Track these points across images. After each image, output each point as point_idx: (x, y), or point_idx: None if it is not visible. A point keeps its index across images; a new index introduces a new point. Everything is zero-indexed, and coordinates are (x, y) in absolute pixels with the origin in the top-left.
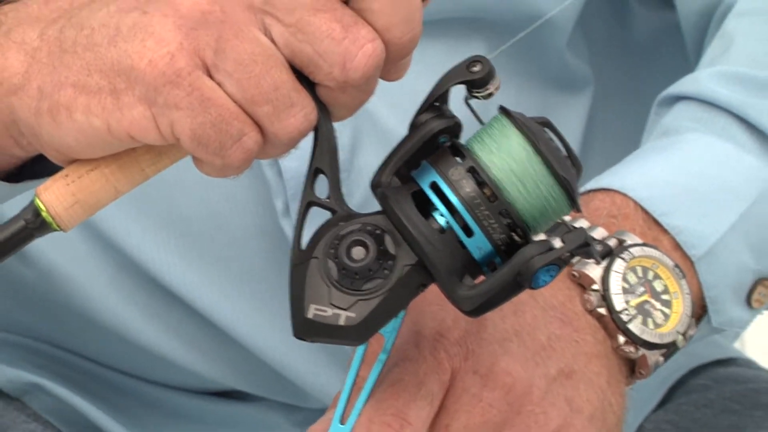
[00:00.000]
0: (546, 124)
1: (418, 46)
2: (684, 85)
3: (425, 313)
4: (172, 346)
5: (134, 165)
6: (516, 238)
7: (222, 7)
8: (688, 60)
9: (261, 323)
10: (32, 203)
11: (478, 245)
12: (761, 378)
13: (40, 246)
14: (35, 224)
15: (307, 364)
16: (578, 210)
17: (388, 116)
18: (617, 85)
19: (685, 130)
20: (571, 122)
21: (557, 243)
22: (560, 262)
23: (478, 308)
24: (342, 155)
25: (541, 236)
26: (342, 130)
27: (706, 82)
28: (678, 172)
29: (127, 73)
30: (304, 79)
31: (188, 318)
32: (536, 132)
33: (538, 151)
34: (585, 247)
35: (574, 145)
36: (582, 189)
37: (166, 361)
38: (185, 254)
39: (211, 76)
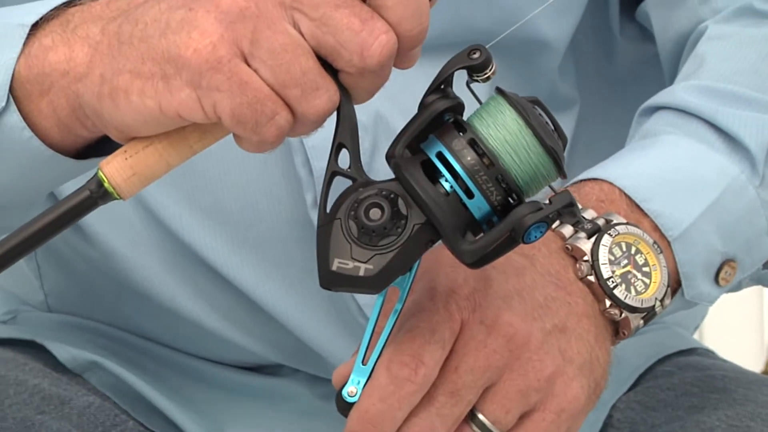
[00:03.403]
0: (536, 102)
1: (430, 64)
2: (662, 96)
3: (440, 273)
4: (217, 321)
5: (183, 142)
6: (511, 200)
7: (257, 4)
8: (665, 85)
9: (292, 301)
10: (96, 175)
11: (478, 206)
12: (717, 366)
13: (104, 229)
14: (98, 193)
15: (331, 337)
16: (564, 176)
17: (402, 124)
18: (600, 108)
19: (663, 132)
20: None
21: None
22: (548, 220)
23: (478, 261)
24: (363, 158)
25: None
26: (363, 136)
27: (680, 93)
28: (657, 166)
29: (175, 60)
30: (328, 66)
31: (231, 295)
32: (527, 108)
33: (529, 124)
34: (570, 207)
35: None
36: (574, 179)
37: (210, 335)
38: (228, 240)
39: (248, 63)
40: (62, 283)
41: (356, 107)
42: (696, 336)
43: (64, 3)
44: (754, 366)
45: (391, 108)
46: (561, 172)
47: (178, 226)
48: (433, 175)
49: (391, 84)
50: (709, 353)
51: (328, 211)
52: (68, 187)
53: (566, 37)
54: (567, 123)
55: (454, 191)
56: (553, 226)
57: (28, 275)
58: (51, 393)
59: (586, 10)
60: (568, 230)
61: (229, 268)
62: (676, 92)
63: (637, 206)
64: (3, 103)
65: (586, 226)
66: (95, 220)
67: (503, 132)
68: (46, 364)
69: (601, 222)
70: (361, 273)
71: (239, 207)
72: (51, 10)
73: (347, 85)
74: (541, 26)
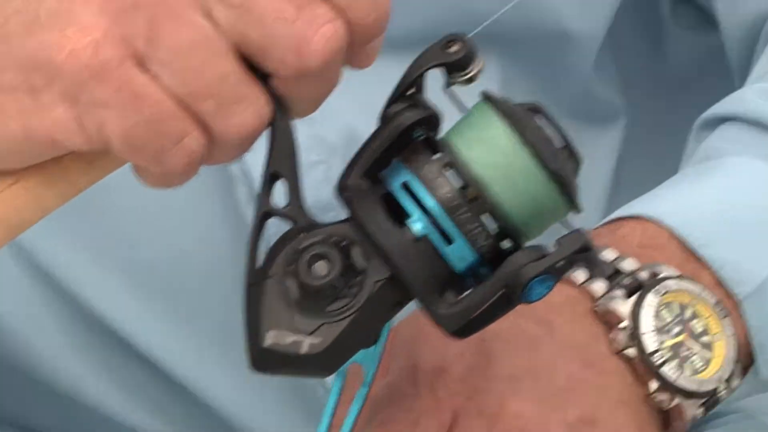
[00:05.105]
0: (536, 109)
1: None
2: (728, 104)
3: (424, 344)
4: (135, 410)
5: (62, 177)
6: (505, 244)
7: None
8: (733, 88)
9: (236, 386)
10: None
11: (459, 254)
12: None
13: None
14: None
15: (290, 430)
16: (578, 210)
17: None
18: (653, 118)
19: (729, 153)
20: (598, 161)
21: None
22: (556, 271)
23: (463, 328)
24: (331, 189)
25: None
26: (331, 160)
27: (754, 99)
28: (720, 199)
29: (45, 67)
30: (255, 69)
31: (153, 379)
32: (524, 119)
33: (526, 140)
34: (584, 251)
35: (603, 188)
36: (610, 216)
37: (129, 428)
38: (151, 306)
39: (144, 69)
40: None
41: (314, 122)
42: None
43: None
44: None
45: (366, 121)
46: (573, 204)
47: (82, 287)
48: (400, 214)
49: (364, 90)
50: None
51: (259, 265)
52: None
53: (599, 29)
54: (610, 140)
55: (427, 236)
56: (581, 281)
57: None
58: None
59: None
60: (600, 287)
61: (152, 344)
62: (748, 98)
63: (693, 253)
64: None
65: (623, 282)
66: None
67: (492, 152)
68: None
69: (644, 275)
70: (304, 350)
71: (165, 259)
72: None
73: (283, 93)
74: (565, 16)
